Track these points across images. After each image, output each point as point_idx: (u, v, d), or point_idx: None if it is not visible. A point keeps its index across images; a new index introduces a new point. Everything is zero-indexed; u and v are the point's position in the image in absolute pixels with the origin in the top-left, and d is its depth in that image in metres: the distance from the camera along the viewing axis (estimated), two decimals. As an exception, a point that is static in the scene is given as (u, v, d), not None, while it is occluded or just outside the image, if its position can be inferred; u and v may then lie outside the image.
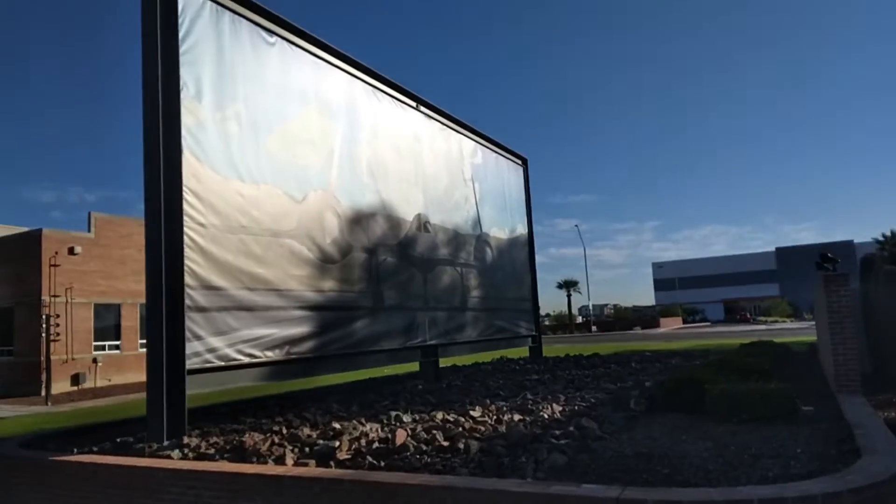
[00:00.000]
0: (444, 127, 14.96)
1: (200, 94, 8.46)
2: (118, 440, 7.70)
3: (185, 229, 7.91)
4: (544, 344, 19.69)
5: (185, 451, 6.78)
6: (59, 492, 6.78)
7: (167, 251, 7.72)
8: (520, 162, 19.40)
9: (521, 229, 18.82)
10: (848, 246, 77.08)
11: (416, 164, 13.44)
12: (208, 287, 8.17)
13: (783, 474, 4.84)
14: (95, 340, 25.80)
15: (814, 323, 23.58)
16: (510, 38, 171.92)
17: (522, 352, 19.23)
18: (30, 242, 25.03)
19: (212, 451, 6.72)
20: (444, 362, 16.91)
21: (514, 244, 18.07)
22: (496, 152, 17.65)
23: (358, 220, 11.28)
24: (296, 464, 5.92)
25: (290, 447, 6.58)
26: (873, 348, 11.82)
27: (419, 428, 7.00)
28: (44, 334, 21.91)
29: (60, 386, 23.53)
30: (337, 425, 7.59)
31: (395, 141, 12.85)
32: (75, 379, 24.46)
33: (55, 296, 24.36)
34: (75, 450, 7.35)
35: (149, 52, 7.98)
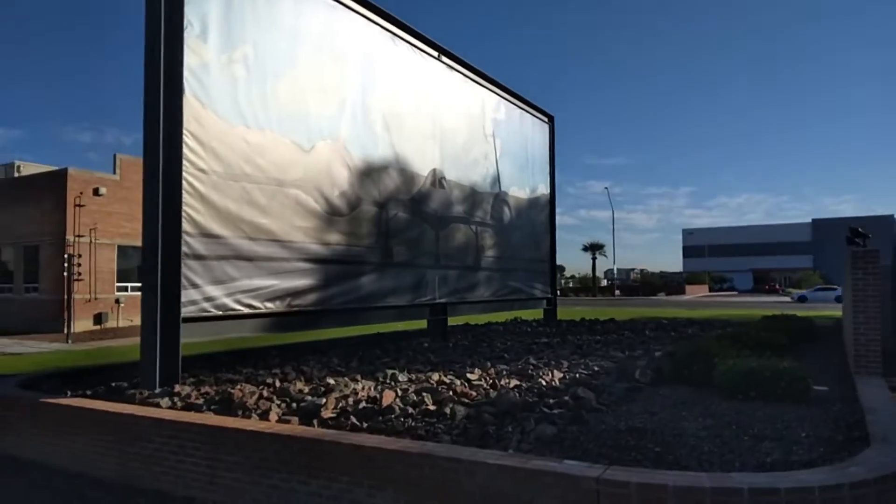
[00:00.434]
0: (467, 79, 14.41)
1: (206, 34, 8.13)
2: (113, 384, 7.71)
3: (185, 174, 7.71)
4: (565, 306, 19.53)
5: (175, 399, 6.71)
6: (51, 433, 6.80)
7: (165, 196, 7.53)
8: (545, 119, 18.76)
9: (543, 189, 18.32)
10: (888, 220, 74.61)
11: (434, 117, 13.00)
12: (207, 235, 8.00)
13: (782, 460, 4.55)
14: (118, 281, 26.21)
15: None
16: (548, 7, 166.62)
17: (537, 313, 18.99)
18: (56, 181, 25.28)
19: (201, 401, 6.64)
20: (456, 321, 16.80)
21: (534, 204, 17.63)
22: (521, 108, 17.05)
23: (369, 173, 10.98)
24: (279, 420, 5.80)
25: (279, 402, 6.48)
26: (900, 329, 11.31)
27: (411, 389, 6.83)
28: (66, 273, 22.27)
29: (83, 324, 24.06)
30: (331, 381, 7.48)
31: (414, 92, 12.40)
32: (98, 318, 24.97)
33: (80, 236, 24.68)
34: (69, 392, 7.36)
35: (151, -12, 7.65)
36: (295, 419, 5.78)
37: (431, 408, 5.79)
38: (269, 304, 8.87)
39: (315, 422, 5.69)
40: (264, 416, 5.93)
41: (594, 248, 76.50)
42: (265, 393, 6.80)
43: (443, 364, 8.99)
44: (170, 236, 7.55)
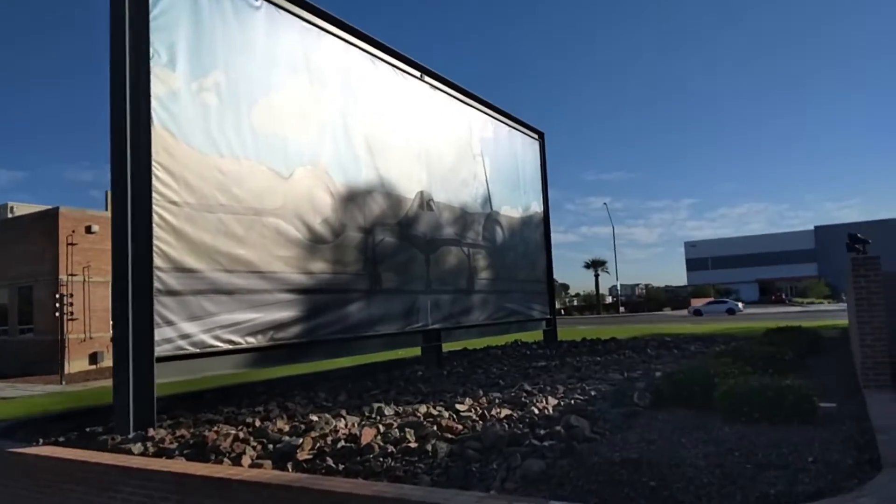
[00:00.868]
0: (452, 99, 14.22)
1: (174, 63, 7.93)
2: (88, 430, 7.37)
3: (155, 207, 7.44)
4: (569, 325, 19.10)
5: (148, 444, 6.36)
6: (21, 485, 6.47)
7: (134, 230, 7.26)
8: (536, 136, 18.56)
9: (536, 207, 18.05)
10: (893, 225, 74.15)
11: (420, 138, 12.77)
12: (181, 269, 7.71)
13: (787, 491, 4.18)
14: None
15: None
16: (542, 17, 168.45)
17: (537, 335, 18.59)
18: (47, 221, 25.10)
19: (174, 445, 6.30)
20: (454, 346, 16.43)
21: (527, 223, 17.34)
22: (510, 126, 16.86)
23: (353, 198, 10.71)
24: (252, 464, 5.44)
25: (255, 443, 6.12)
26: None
27: (395, 424, 6.46)
28: (58, 313, 21.95)
29: (78, 364, 23.68)
30: (315, 417, 7.13)
31: (397, 114, 12.19)
32: (93, 358, 24.60)
33: (73, 274, 24.43)
34: (41, 440, 7.03)
35: (116, 17, 7.46)
36: (269, 463, 5.43)
37: (413, 445, 5.42)
38: (250, 339, 8.54)
39: (290, 465, 5.34)
40: (237, 460, 5.57)
41: (596, 265, 76.07)
42: (242, 434, 6.44)
43: (433, 394, 8.62)
44: (140, 272, 7.26)
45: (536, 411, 6.88)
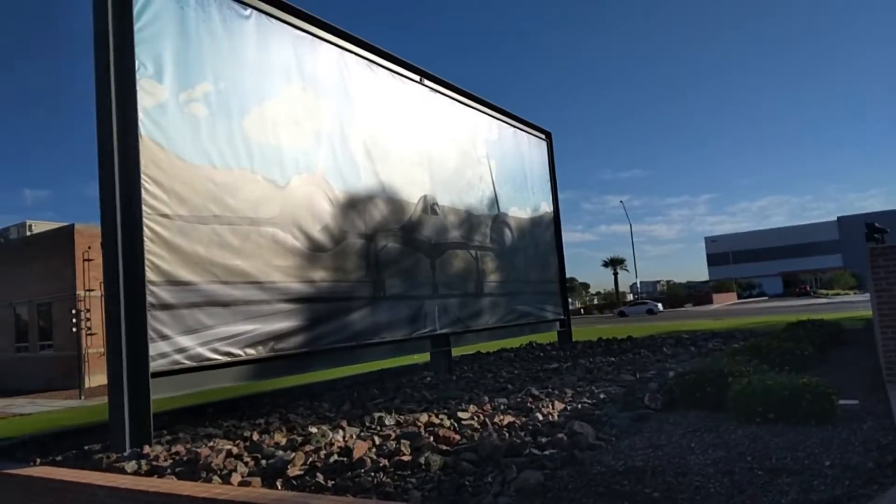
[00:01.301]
0: (454, 102, 14.01)
1: (161, 74, 7.81)
2: (86, 448, 7.25)
3: (146, 220, 7.32)
4: (587, 325, 18.73)
5: (142, 462, 6.21)
6: (14, 506, 6.36)
7: (125, 245, 7.15)
8: (543, 136, 18.27)
9: (546, 207, 17.75)
10: (917, 212, 72.46)
11: (421, 142, 12.57)
12: (175, 282, 7.57)
13: (800, 500, 3.89)
14: (131, 333, 25.98)
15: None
16: (556, 14, 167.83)
17: (552, 336, 18.27)
18: (63, 238, 25.33)
19: (168, 462, 6.15)
20: (466, 350, 16.18)
21: (537, 224, 17.04)
22: (515, 126, 16.59)
23: (353, 205, 10.53)
24: (241, 482, 5.25)
25: (249, 459, 5.95)
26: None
27: (393, 435, 6.25)
28: (74, 329, 22.10)
29: (99, 379, 23.80)
30: (314, 429, 6.95)
31: (397, 118, 12.00)
32: (111, 372, 24.70)
33: (90, 290, 24.58)
34: (38, 460, 6.92)
35: (100, 31, 7.37)
36: (258, 480, 5.24)
37: (406, 458, 5.20)
38: (249, 351, 8.38)
39: (280, 481, 5.14)
40: (227, 477, 5.39)
41: (615, 263, 75.26)
42: (236, 450, 6.27)
43: (438, 401, 8.39)
44: (132, 287, 7.14)
45: (541, 417, 6.62)
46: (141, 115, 7.42)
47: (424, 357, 13.95)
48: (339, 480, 4.94)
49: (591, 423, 6.30)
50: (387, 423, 7.07)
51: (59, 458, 6.98)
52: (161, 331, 7.33)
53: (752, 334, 15.33)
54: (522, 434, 5.89)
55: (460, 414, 7.03)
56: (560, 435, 5.65)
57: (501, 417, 6.74)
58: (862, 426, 5.69)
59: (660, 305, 58.03)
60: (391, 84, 12.05)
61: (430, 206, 12.47)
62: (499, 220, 15.02)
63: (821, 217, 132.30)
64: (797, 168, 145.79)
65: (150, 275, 7.28)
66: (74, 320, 22.01)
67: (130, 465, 6.14)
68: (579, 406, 7.25)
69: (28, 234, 31.69)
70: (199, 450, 6.25)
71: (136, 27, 7.54)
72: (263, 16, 9.46)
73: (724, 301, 74.17)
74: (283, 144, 9.38)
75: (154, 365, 7.17)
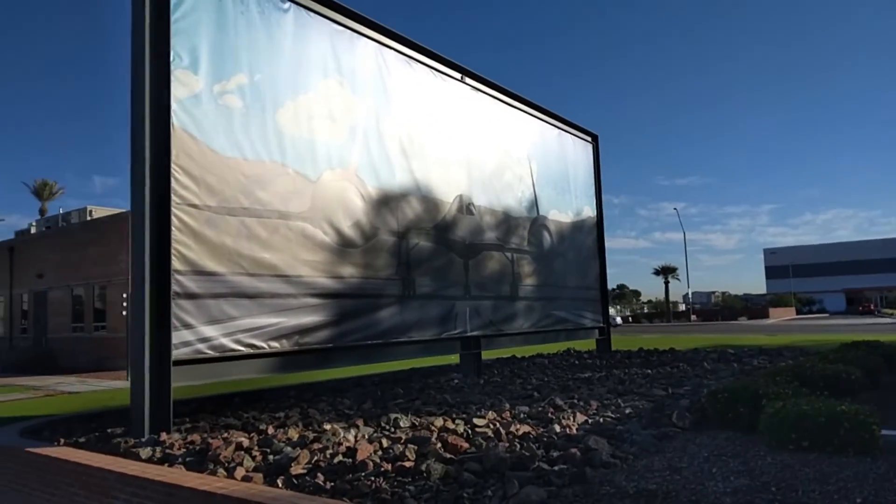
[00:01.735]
0: (496, 101, 13.78)
1: (196, 65, 7.88)
2: (109, 431, 7.38)
3: (174, 210, 7.39)
4: (633, 333, 18.20)
5: (157, 449, 6.26)
6: (35, 485, 6.51)
7: (152, 233, 7.23)
8: (589, 139, 17.84)
9: (589, 212, 17.32)
10: None
11: (460, 141, 12.40)
12: (201, 272, 7.62)
13: (821, 542, 3.55)
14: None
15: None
16: (612, 20, 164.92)
17: (591, 344, 17.83)
18: (119, 223, 26.21)
19: (181, 451, 6.17)
20: (501, 353, 15.95)
21: (579, 228, 16.64)
22: (559, 128, 16.23)
23: (386, 202, 10.45)
24: (244, 477, 5.20)
25: (258, 453, 5.90)
26: None
27: (403, 438, 6.11)
28: (124, 312, 22.84)
29: (145, 362, 24.55)
30: (328, 427, 6.90)
31: (434, 116, 11.86)
32: (159, 356, 25.45)
33: (141, 276, 25.36)
34: (62, 440, 7.07)
35: (137, 19, 7.48)
36: (260, 476, 5.18)
37: (409, 464, 5.04)
38: (273, 344, 8.39)
39: (281, 479, 5.07)
40: (232, 471, 5.35)
41: (666, 272, 73.31)
42: (247, 443, 6.24)
43: (458, 406, 8.21)
44: (158, 275, 7.22)
45: (558, 430, 6.37)
46: (174, 106, 7.50)
47: (446, 360, 13.80)
48: (339, 482, 4.82)
49: (610, 438, 6.03)
50: (401, 424, 6.94)
51: (82, 439, 7.12)
52: (185, 320, 7.39)
53: (802, 353, 14.58)
54: (535, 446, 5.66)
55: (476, 420, 6.84)
56: (573, 450, 5.40)
57: (518, 427, 6.51)
58: (905, 461, 5.25)
59: (619, 319, 55.50)
60: (430, 81, 11.92)
61: (465, 206, 12.29)
62: (538, 222, 14.72)
63: (889, 233, 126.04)
64: (867, 180, 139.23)
65: (176, 264, 7.34)
66: (125, 304, 22.74)
67: (145, 452, 6.19)
68: (601, 420, 6.95)
69: (88, 219, 32.99)
70: (211, 441, 6.26)
71: (172, 18, 7.62)
72: (302, 9, 9.46)
73: (782, 316, 71.44)
74: (316, 139, 9.36)
75: (176, 353, 7.23)
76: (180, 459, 5.90)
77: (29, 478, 6.58)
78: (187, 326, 7.42)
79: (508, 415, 7.36)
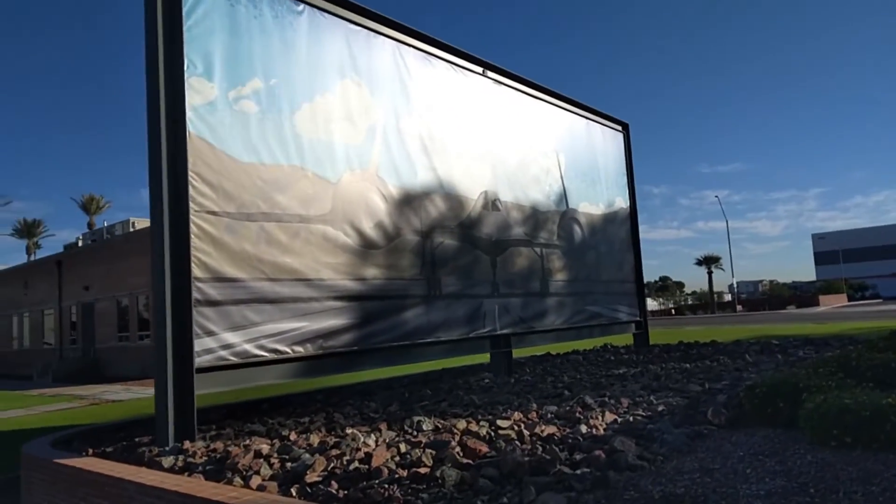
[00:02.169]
0: (520, 94, 13.52)
1: (210, 71, 7.88)
2: (136, 440, 7.44)
3: (193, 218, 7.39)
4: (675, 326, 17.73)
5: (179, 458, 6.25)
6: (63, 495, 6.58)
7: (172, 242, 7.24)
8: (619, 128, 17.40)
9: (621, 203, 16.90)
10: None
11: (483, 136, 12.20)
12: (221, 279, 7.62)
13: (861, 551, 3.26)
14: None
15: None
16: (649, 5, 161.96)
17: (628, 338, 17.41)
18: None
19: (203, 460, 6.15)
20: (537, 350, 15.67)
21: (611, 220, 16.25)
22: (587, 118, 15.86)
23: (408, 201, 10.33)
24: (259, 485, 5.13)
25: (276, 460, 5.84)
26: None
27: (423, 442, 5.97)
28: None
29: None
30: (350, 431, 6.80)
31: (456, 112, 11.69)
32: (200, 362, 25.90)
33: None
34: (90, 451, 7.15)
35: (150, 28, 7.50)
36: (275, 484, 5.10)
37: (424, 470, 4.89)
38: (297, 348, 8.35)
39: (295, 487, 4.98)
40: (248, 479, 5.29)
41: (709, 262, 71.61)
42: (266, 450, 6.18)
43: (485, 406, 8.03)
44: (179, 283, 7.23)
45: (584, 430, 6.13)
46: (189, 114, 7.50)
47: (477, 359, 13.60)
48: (352, 490, 4.70)
49: (639, 438, 5.76)
50: (424, 427, 6.79)
51: (109, 449, 7.18)
52: (207, 327, 7.39)
53: (852, 342, 13.93)
54: (559, 448, 5.43)
55: (500, 422, 6.65)
56: (598, 452, 5.16)
57: (543, 428, 6.30)
58: (959, 457, 4.86)
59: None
60: (451, 76, 11.74)
61: (491, 202, 12.08)
62: (567, 216, 14.40)
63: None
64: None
65: (196, 271, 7.35)
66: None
67: (168, 461, 6.18)
68: (631, 419, 6.68)
69: (130, 230, 33.84)
70: (230, 448, 6.23)
71: (185, 25, 7.62)
72: (316, 11, 9.39)
73: (833, 303, 69.03)
74: (335, 140, 9.29)
75: (199, 361, 7.24)
76: (200, 468, 5.87)
77: (57, 489, 6.65)
78: (209, 333, 7.42)
79: (535, 415, 7.14)
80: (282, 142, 8.56)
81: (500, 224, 12.24)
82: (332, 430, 7.24)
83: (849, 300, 77.58)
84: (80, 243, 37.48)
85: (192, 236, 7.36)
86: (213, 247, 7.57)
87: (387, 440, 6.34)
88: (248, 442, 6.70)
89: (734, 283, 71.64)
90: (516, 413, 7.23)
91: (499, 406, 7.97)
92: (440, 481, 4.62)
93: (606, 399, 7.92)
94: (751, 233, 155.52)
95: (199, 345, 7.27)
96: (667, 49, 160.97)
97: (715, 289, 75.60)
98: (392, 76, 10.49)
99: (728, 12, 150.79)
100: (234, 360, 7.65)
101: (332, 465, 5.40)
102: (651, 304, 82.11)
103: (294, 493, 4.87)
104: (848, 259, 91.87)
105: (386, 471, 4.96)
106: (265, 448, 6.24)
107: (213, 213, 7.64)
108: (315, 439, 6.60)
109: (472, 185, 11.67)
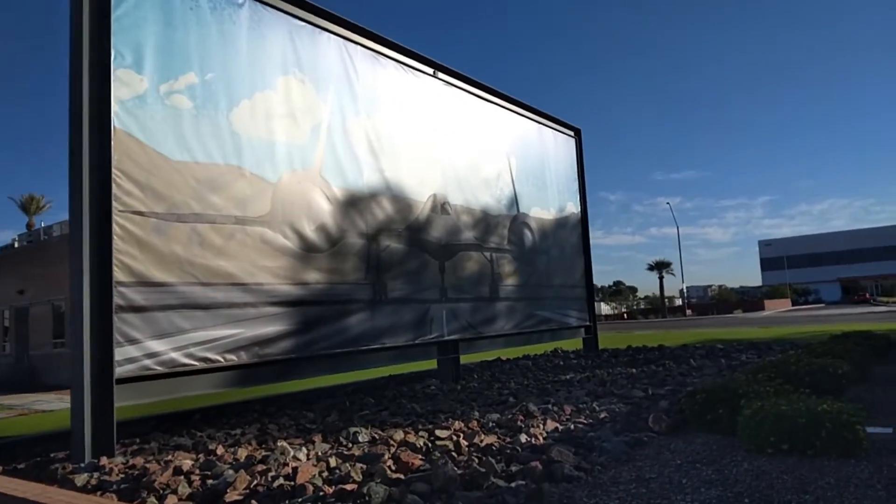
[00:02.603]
0: (471, 96, 13.38)
1: (140, 63, 7.46)
2: (51, 455, 6.95)
3: (116, 217, 6.96)
4: (626, 330, 17.81)
5: (94, 476, 5.82)
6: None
7: (92, 243, 6.79)
8: (571, 133, 17.45)
9: (572, 208, 16.93)
10: None
11: (433, 138, 12.00)
12: (147, 283, 7.19)
13: (792, 567, 3.15)
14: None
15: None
16: (605, 17, 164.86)
17: (578, 343, 17.43)
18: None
19: (118, 478, 5.73)
20: (488, 356, 15.52)
21: (562, 225, 16.24)
22: (539, 123, 15.83)
23: (354, 203, 10.04)
24: (173, 506, 4.78)
25: (197, 477, 5.47)
26: None
27: (356, 455, 5.70)
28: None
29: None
30: (282, 443, 6.45)
31: (406, 113, 11.46)
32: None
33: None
34: (0, 467, 6.63)
35: (75, 16, 7.05)
36: (192, 504, 4.76)
37: (350, 487, 4.62)
38: (230, 356, 7.95)
39: (213, 507, 4.65)
40: (163, 499, 4.93)
41: (660, 267, 72.94)
42: (188, 466, 5.80)
43: (426, 416, 7.80)
44: (99, 288, 6.78)
45: (524, 440, 5.96)
46: (115, 107, 7.08)
47: (426, 365, 13.36)
48: (273, 509, 4.40)
49: (578, 447, 5.63)
50: (360, 439, 6.52)
51: (21, 465, 6.69)
52: (129, 334, 6.96)
53: (793, 346, 14.21)
54: (495, 460, 5.25)
55: (439, 432, 6.43)
56: (534, 463, 4.98)
57: (482, 438, 6.10)
58: (892, 462, 4.86)
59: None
60: (401, 77, 11.51)
61: (440, 205, 11.88)
62: (518, 220, 14.31)
63: (884, 221, 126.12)
64: (861, 170, 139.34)
65: (118, 275, 6.91)
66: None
67: (81, 479, 5.74)
68: (572, 426, 6.55)
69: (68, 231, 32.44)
70: (149, 465, 5.84)
71: (113, 15, 7.21)
72: (259, 4, 9.04)
73: (777, 307, 71.17)
74: (276, 139, 8.95)
75: (120, 370, 6.80)
76: (115, 486, 5.46)
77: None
78: (132, 341, 6.99)
79: (476, 424, 6.95)
80: (218, 139, 8.18)
81: (450, 228, 12.05)
82: (263, 442, 6.90)
83: (793, 304, 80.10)
84: (15, 244, 35.75)
85: (115, 237, 6.93)
86: (138, 249, 7.14)
87: (318, 453, 6.05)
88: (170, 457, 6.31)
89: (684, 287, 73.23)
90: (457, 422, 7.02)
91: (440, 415, 7.76)
92: (367, 499, 4.36)
93: (550, 406, 7.79)
94: (702, 239, 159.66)
95: (120, 353, 6.83)
96: (624, 58, 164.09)
97: (666, 293, 77.18)
98: (339, 74, 10.20)
99: (683, 22, 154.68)
100: (159, 369, 7.22)
101: (255, 481, 5.08)
102: (604, 308, 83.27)
103: (210, 513, 4.54)
104: (792, 265, 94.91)
105: (311, 488, 4.68)
106: (187, 464, 5.87)
107: (140, 213, 7.22)
108: (243, 453, 6.25)
109: (421, 188, 11.45)
